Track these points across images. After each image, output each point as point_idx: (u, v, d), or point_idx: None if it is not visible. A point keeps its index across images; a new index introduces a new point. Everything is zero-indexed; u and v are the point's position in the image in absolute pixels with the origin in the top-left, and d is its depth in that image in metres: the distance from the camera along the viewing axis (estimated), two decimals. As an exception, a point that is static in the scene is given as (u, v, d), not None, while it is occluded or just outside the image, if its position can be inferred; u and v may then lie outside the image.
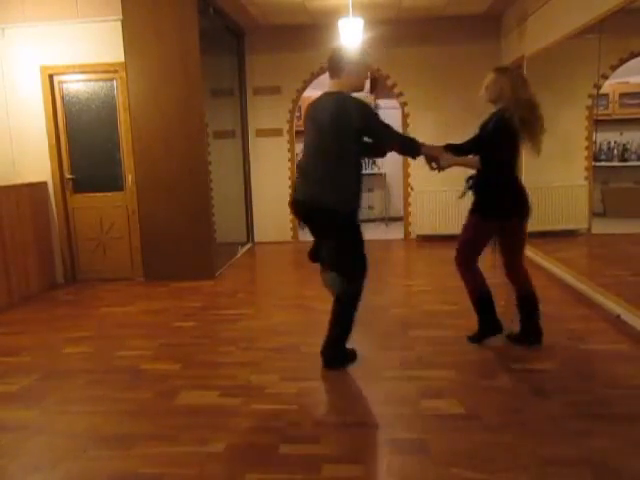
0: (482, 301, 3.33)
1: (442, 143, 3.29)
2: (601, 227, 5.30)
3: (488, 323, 3.36)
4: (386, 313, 4.10)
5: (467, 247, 3.29)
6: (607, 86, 5.55)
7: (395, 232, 7.72)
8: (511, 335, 3.38)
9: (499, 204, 3.16)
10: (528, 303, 3.32)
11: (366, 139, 3.03)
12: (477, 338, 3.39)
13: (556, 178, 5.72)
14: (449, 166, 3.18)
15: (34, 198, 5.25)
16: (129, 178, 5.41)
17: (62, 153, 5.43)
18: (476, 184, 3.25)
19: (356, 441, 2.37)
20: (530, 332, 3.33)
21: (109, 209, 5.50)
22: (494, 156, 3.16)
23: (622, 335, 3.47)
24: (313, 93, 8.12)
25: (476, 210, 3.24)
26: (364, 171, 3.42)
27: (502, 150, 3.13)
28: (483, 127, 3.28)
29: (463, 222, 3.34)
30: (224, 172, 6.73)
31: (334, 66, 3.01)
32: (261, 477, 2.12)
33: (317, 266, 3.21)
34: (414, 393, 2.77)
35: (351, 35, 5.37)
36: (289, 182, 7.33)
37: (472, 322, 3.77)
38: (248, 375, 3.07)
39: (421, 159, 3.23)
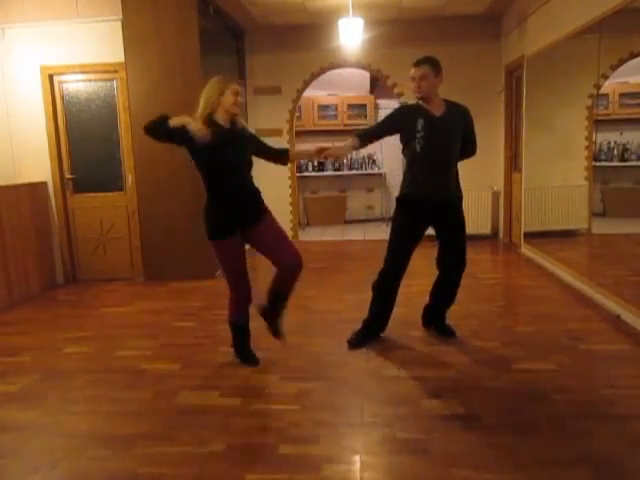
0: None
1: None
2: (601, 227, 5.28)
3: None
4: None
5: None
6: (607, 86, 5.53)
7: (395, 232, 7.68)
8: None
9: None
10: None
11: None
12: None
13: (556, 178, 5.72)
14: None
15: (34, 198, 5.25)
16: (129, 178, 5.41)
17: (62, 153, 5.43)
18: None
19: (356, 441, 2.37)
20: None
21: (109, 209, 5.50)
22: None
23: (622, 335, 3.47)
24: (313, 93, 8.15)
25: None
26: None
27: None
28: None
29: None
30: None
31: None
32: (261, 477, 2.12)
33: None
34: (414, 393, 2.77)
35: (351, 35, 5.38)
36: (289, 182, 7.32)
37: (472, 322, 3.78)
38: (248, 375, 3.07)
39: None
